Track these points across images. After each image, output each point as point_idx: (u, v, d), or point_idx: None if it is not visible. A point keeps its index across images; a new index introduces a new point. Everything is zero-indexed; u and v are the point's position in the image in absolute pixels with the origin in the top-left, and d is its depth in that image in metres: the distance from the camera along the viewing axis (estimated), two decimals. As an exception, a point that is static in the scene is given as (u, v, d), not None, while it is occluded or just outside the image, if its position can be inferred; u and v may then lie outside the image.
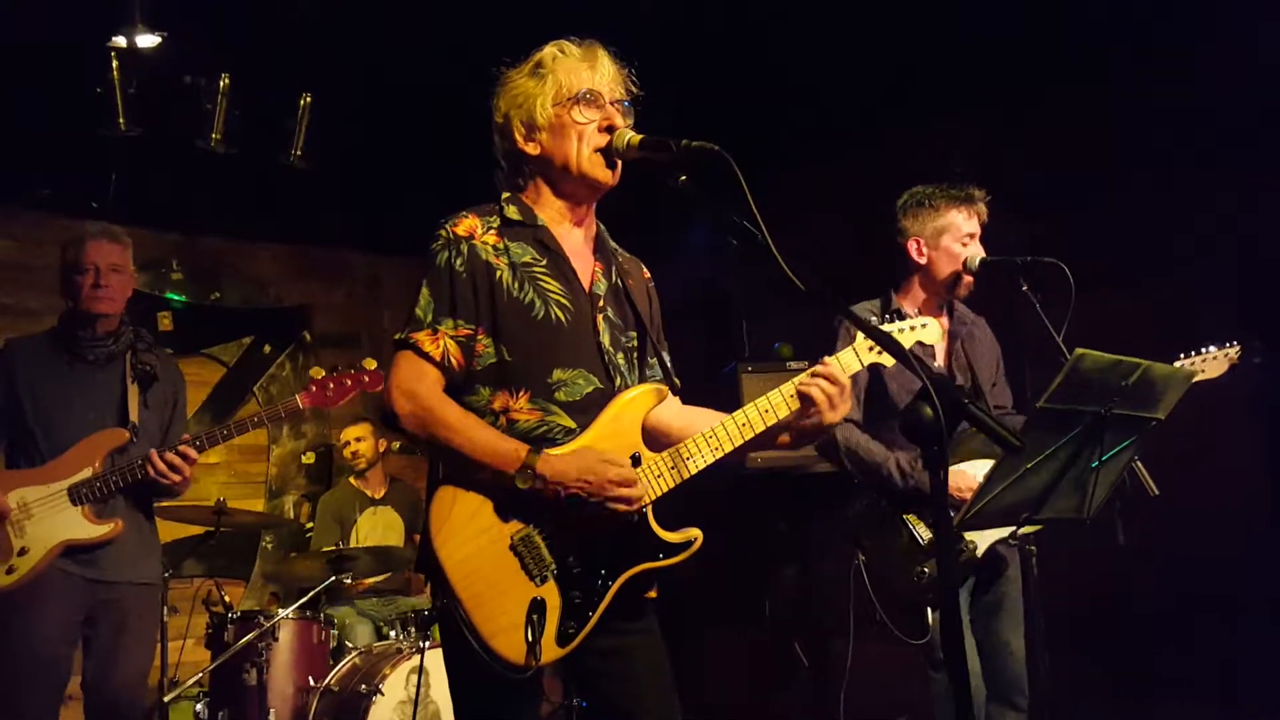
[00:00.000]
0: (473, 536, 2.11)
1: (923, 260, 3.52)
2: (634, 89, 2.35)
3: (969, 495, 2.87)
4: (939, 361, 3.47)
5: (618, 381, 2.28)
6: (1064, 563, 3.34)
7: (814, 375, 2.23)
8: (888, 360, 2.27)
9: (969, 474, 3.22)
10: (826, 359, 2.26)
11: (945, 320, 3.55)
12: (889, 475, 3.32)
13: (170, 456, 3.47)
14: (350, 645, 4.95)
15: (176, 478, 3.50)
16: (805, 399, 2.23)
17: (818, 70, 5.05)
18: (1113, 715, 4.24)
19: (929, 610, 3.18)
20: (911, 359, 1.92)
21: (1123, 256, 4.36)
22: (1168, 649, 4.26)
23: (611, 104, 2.29)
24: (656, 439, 2.28)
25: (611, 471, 2.11)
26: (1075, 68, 4.65)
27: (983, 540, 3.28)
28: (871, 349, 2.27)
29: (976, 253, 3.46)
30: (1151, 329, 3.40)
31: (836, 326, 3.33)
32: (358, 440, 5.93)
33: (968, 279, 3.47)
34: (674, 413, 2.40)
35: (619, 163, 2.29)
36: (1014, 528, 2.91)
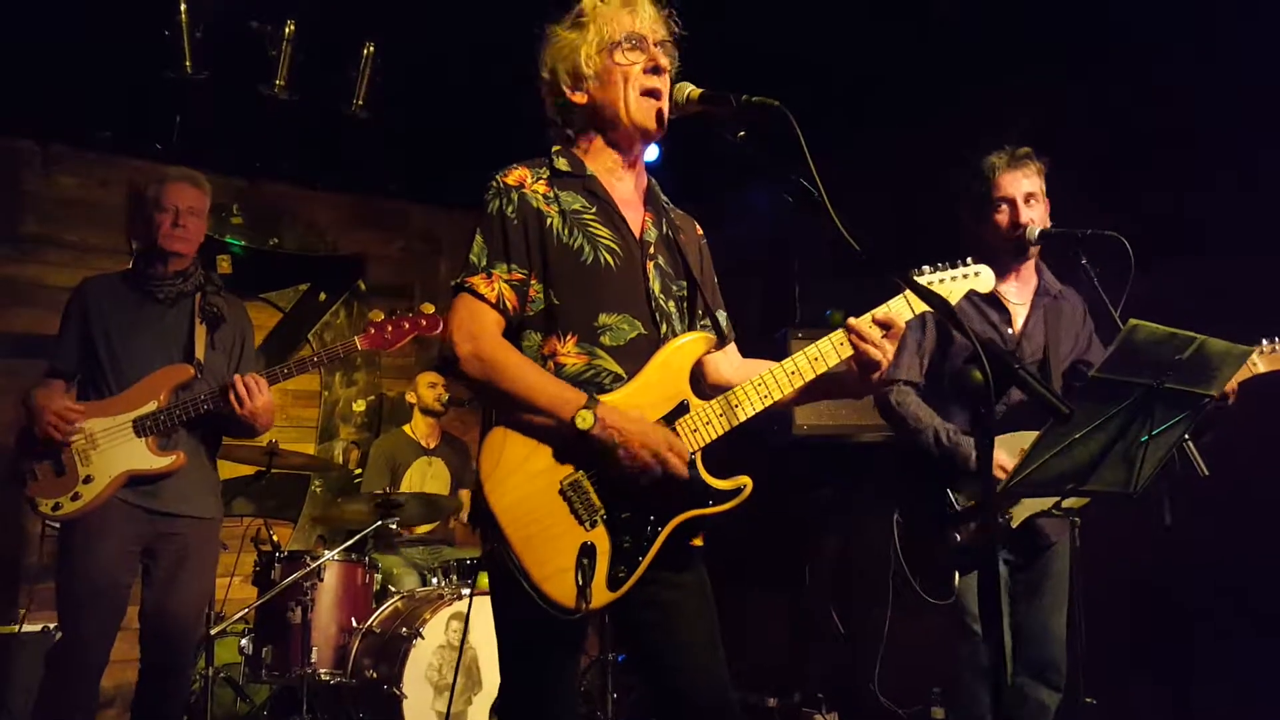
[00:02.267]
0: (523, 481, 2.13)
1: (977, 233, 3.45)
2: (676, 28, 2.36)
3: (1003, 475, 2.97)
4: (1013, 330, 3.38)
5: (663, 329, 2.30)
6: (1107, 542, 3.32)
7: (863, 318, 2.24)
8: (954, 292, 2.28)
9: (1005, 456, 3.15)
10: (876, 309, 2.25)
11: (1030, 288, 3.47)
12: (927, 438, 3.29)
13: (246, 379, 3.56)
14: (393, 590, 5.04)
15: (250, 404, 3.57)
16: (855, 343, 2.22)
17: (857, 46, 5.00)
18: (1150, 700, 4.21)
19: (956, 575, 3.21)
20: (956, 314, 1.90)
21: (1187, 232, 4.27)
22: (1209, 636, 4.22)
23: (655, 45, 2.31)
24: (717, 391, 2.29)
25: (672, 440, 2.14)
26: (1141, 29, 4.55)
27: (1019, 512, 3.25)
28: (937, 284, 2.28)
29: (1035, 216, 3.36)
30: (1216, 308, 3.32)
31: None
32: (445, 386, 5.98)
33: (1012, 237, 3.36)
34: (734, 367, 2.44)
35: (666, 108, 2.29)
36: (1054, 501, 3.00)
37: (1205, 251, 4.22)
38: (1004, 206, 3.36)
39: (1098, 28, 4.64)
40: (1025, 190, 3.36)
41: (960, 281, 2.35)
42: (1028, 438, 3.06)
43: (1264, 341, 3.31)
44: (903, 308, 2.25)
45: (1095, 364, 3.19)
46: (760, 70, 4.44)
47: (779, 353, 4.98)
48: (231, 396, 3.55)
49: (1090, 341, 3.49)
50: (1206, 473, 3.08)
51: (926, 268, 2.33)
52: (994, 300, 3.35)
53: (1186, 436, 2.90)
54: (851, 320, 2.23)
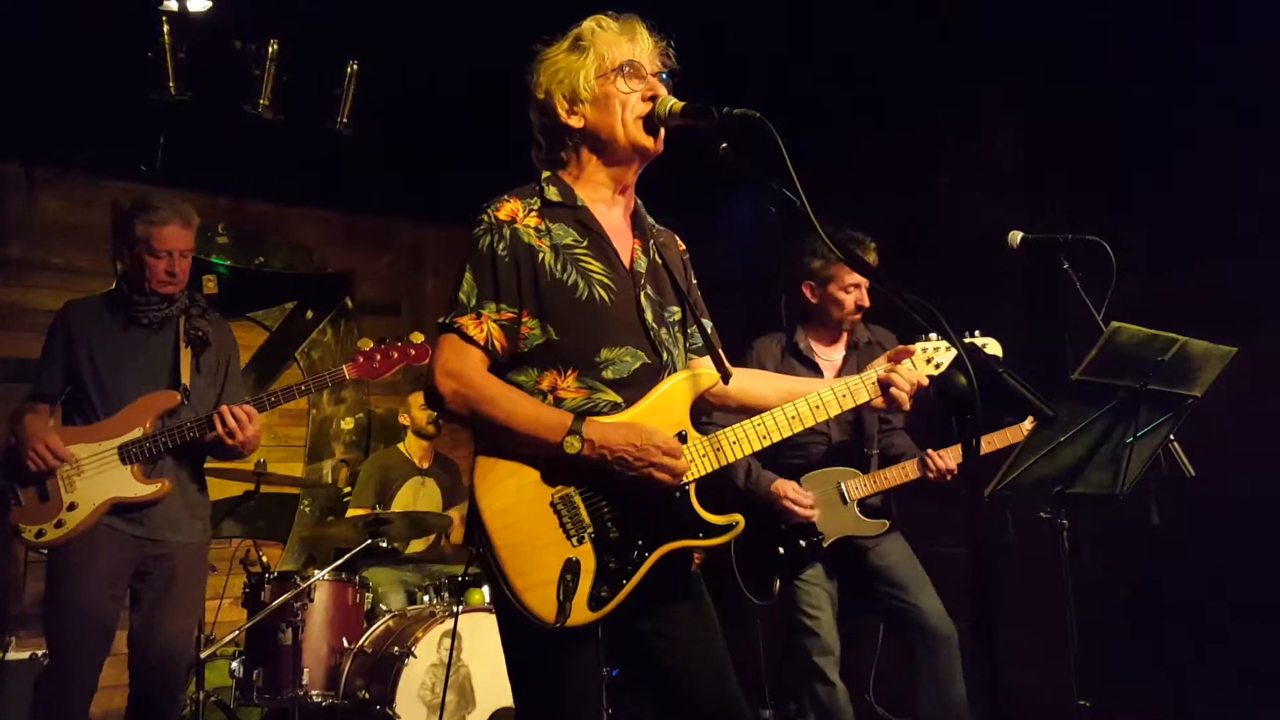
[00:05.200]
0: (515, 490, 2.15)
1: (815, 301, 3.97)
2: (671, 62, 2.37)
3: (792, 506, 3.74)
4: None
5: (664, 356, 2.31)
6: (1096, 543, 3.33)
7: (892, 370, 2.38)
8: (932, 371, 2.44)
9: (805, 491, 3.80)
10: (898, 366, 2.41)
11: (841, 345, 4.03)
12: (735, 473, 3.82)
13: (236, 411, 3.52)
14: (384, 608, 5.01)
15: (241, 435, 3.54)
16: (886, 386, 2.37)
17: (855, 48, 5.02)
18: (1144, 700, 4.21)
19: (776, 581, 3.82)
20: (964, 357, 1.90)
21: (1171, 237, 4.30)
22: (1202, 636, 4.23)
23: (652, 76, 2.31)
24: (748, 410, 2.39)
25: (657, 438, 2.14)
26: (1123, 39, 4.57)
27: (831, 532, 3.84)
28: (929, 362, 2.42)
29: (861, 300, 3.88)
30: (1200, 313, 3.35)
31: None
32: (426, 407, 5.95)
33: (854, 318, 3.92)
34: (758, 380, 2.51)
35: (662, 130, 2.30)
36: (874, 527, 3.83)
37: (1192, 256, 4.25)
38: (852, 289, 3.88)
39: (1081, 31, 4.67)
40: (854, 280, 3.86)
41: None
42: (837, 474, 3.85)
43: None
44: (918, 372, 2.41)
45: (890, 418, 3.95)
46: (743, 78, 4.49)
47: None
48: (220, 429, 3.51)
49: None
50: (1192, 473, 3.10)
51: (932, 335, 2.42)
52: (809, 361, 3.96)
53: (1171, 437, 2.92)
54: (883, 368, 2.41)
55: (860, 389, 2.37)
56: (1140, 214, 4.28)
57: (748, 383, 2.50)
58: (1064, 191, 3.50)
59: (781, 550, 3.87)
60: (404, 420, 6.07)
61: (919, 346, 2.45)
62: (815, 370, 3.93)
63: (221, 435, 3.53)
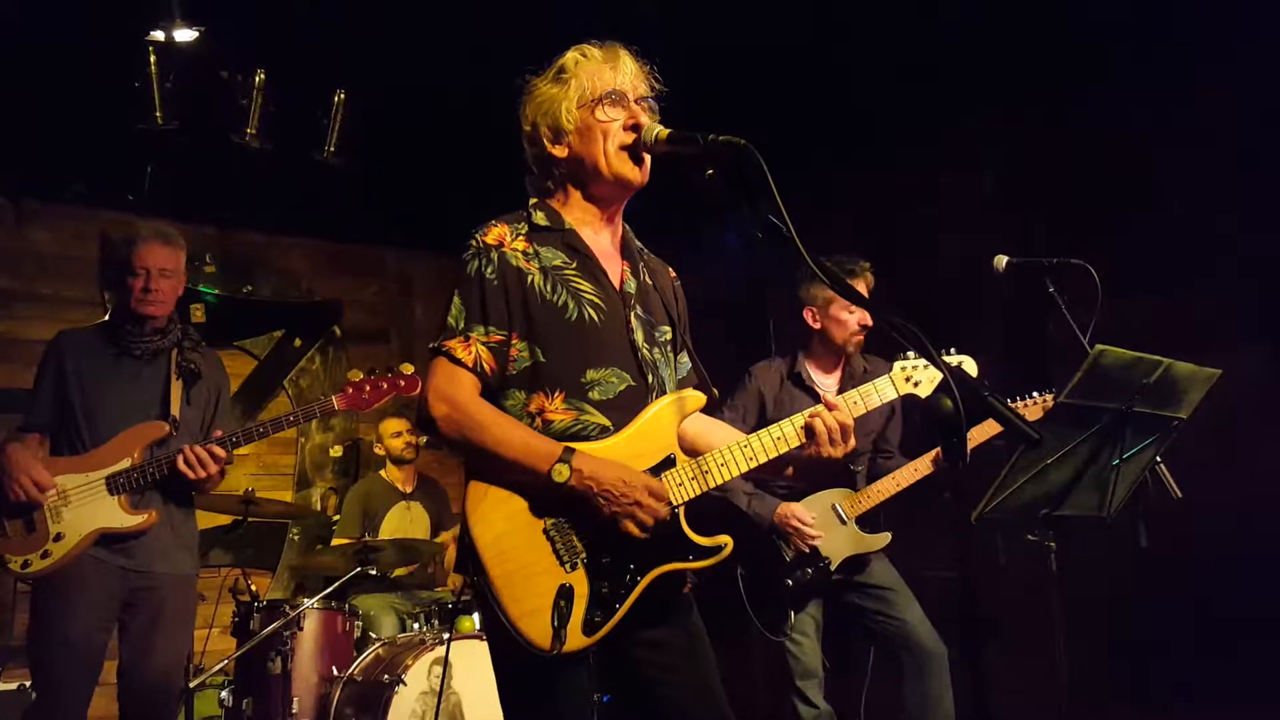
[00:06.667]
0: (506, 517, 2.15)
1: (817, 326, 4.04)
2: (657, 85, 2.37)
3: (800, 527, 3.83)
4: None
5: (649, 378, 2.30)
6: (1085, 565, 3.34)
7: (827, 407, 2.28)
8: (922, 392, 2.41)
9: (804, 511, 3.87)
10: (838, 396, 2.32)
11: (839, 373, 4.10)
12: (736, 500, 3.88)
13: (199, 451, 3.52)
14: (374, 636, 4.98)
15: (202, 474, 3.53)
16: (809, 431, 2.27)
17: (844, 73, 5.06)
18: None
19: (791, 614, 3.88)
20: (949, 381, 1.89)
21: (1154, 261, 4.34)
22: (1189, 656, 4.23)
23: (636, 102, 2.32)
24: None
25: (650, 483, 2.15)
26: (1107, 71, 4.63)
27: (836, 554, 3.91)
28: (908, 380, 2.40)
29: (864, 320, 3.93)
30: (1183, 334, 3.38)
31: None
32: (409, 432, 5.93)
33: (857, 339, 3.96)
34: (690, 419, 2.43)
35: (647, 160, 2.31)
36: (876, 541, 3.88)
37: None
38: (855, 309, 3.96)
39: (1069, 67, 4.73)
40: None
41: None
42: (829, 496, 3.92)
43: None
44: (887, 389, 2.38)
45: (890, 437, 4.08)
46: (729, 106, 4.51)
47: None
48: (181, 464, 3.51)
49: (893, 412, 4.11)
50: (1179, 495, 3.11)
51: (911, 353, 2.41)
52: (809, 389, 4.01)
53: (1158, 459, 2.94)
54: (808, 411, 2.29)
55: (792, 433, 2.29)
56: (1122, 238, 4.32)
57: (703, 428, 2.48)
58: (1048, 216, 3.54)
59: (790, 583, 3.91)
60: (379, 450, 6.05)
61: (898, 365, 2.44)
62: (815, 398, 3.90)
63: (185, 471, 3.52)
